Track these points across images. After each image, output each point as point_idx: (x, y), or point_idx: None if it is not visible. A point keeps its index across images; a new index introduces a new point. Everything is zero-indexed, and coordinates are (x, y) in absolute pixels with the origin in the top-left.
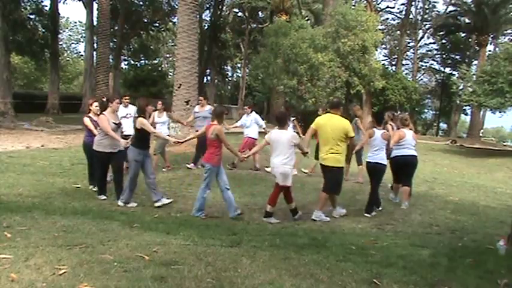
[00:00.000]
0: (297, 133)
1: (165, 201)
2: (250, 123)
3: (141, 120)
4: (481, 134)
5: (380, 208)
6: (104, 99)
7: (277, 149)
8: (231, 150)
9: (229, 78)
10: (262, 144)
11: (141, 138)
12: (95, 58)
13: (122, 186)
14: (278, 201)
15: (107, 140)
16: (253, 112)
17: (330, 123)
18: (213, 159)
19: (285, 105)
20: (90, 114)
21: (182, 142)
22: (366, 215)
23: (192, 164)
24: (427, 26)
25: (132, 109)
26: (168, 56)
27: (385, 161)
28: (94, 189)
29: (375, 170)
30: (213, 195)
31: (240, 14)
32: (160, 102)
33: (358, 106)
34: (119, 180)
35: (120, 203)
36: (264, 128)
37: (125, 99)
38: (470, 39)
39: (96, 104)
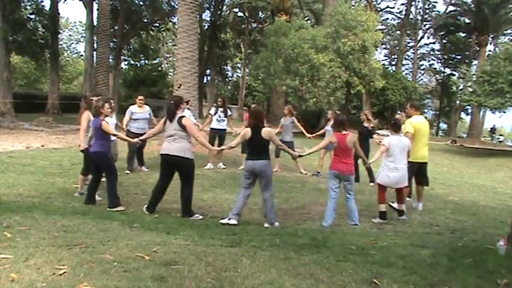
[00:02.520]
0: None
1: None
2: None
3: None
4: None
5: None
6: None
7: (395, 153)
8: (363, 156)
9: (229, 78)
10: (357, 148)
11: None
12: (95, 58)
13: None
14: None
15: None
16: (186, 109)
17: (425, 124)
18: (353, 169)
19: (286, 104)
20: (104, 118)
21: (302, 156)
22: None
23: (143, 167)
24: (427, 26)
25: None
26: (168, 56)
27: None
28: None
29: None
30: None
31: (240, 14)
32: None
33: (291, 106)
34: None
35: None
36: (197, 124)
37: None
38: (470, 39)
39: (107, 104)
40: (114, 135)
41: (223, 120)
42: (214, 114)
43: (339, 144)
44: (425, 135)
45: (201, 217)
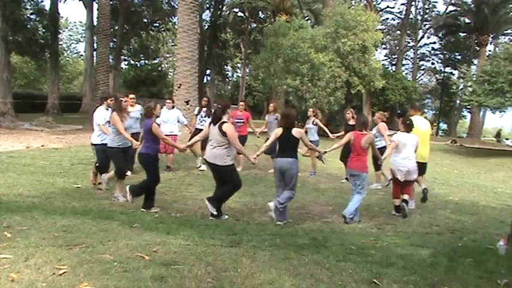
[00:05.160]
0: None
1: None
2: (174, 119)
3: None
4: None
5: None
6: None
7: (405, 149)
8: (377, 155)
9: (229, 78)
10: (374, 147)
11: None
12: (95, 58)
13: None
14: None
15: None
16: (175, 108)
17: (423, 124)
18: (366, 167)
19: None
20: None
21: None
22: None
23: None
24: (427, 26)
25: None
26: (168, 56)
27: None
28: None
29: None
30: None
31: (240, 13)
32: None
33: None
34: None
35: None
36: (186, 125)
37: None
38: (470, 39)
39: (159, 106)
40: (163, 139)
41: (205, 121)
42: (197, 114)
43: (354, 142)
44: (423, 135)
45: (226, 217)
